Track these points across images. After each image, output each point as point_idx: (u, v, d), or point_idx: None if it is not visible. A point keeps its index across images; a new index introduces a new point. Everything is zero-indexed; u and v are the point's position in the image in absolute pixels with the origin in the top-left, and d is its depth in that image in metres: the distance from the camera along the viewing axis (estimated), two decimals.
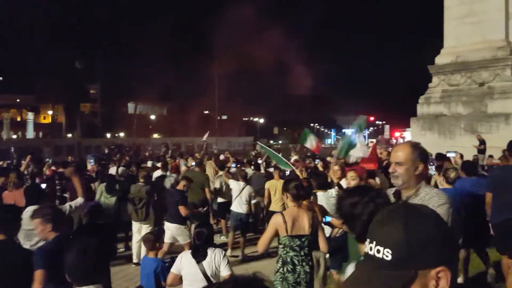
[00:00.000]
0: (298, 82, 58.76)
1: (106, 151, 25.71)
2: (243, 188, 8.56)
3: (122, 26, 54.80)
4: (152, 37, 52.64)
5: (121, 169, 10.75)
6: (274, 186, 8.54)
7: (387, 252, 1.04)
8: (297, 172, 9.25)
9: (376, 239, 1.08)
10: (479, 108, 15.08)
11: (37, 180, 8.92)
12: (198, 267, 4.08)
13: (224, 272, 4.09)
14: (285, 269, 4.26)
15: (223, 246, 7.78)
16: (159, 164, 11.75)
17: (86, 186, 8.66)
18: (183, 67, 56.28)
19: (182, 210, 7.32)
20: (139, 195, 7.82)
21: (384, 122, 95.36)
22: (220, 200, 9.87)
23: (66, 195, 8.62)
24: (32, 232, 4.13)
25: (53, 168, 11.22)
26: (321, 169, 9.92)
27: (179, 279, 4.22)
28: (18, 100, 62.43)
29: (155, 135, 57.34)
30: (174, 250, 6.90)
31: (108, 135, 53.92)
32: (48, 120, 66.50)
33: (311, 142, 11.59)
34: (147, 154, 25.78)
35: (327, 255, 5.29)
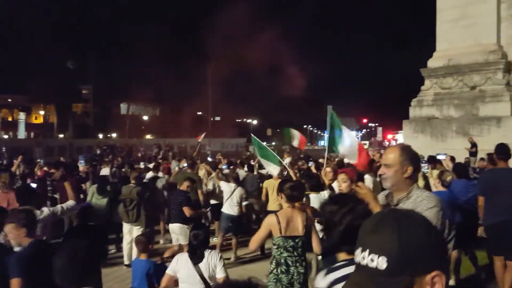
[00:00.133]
0: (291, 84, 58.76)
1: (98, 151, 25.57)
2: (234, 190, 8.51)
3: (115, 27, 54.89)
4: (145, 38, 52.73)
5: (113, 170, 10.70)
6: (272, 185, 8.48)
7: (383, 260, 1.03)
8: (291, 173, 9.25)
9: (369, 247, 1.07)
10: (471, 111, 15.18)
11: (28, 181, 8.83)
12: (195, 269, 4.05)
13: (220, 274, 4.06)
14: (279, 270, 4.25)
15: (214, 248, 7.76)
16: (151, 165, 11.71)
17: (77, 186, 8.63)
18: (177, 68, 56.38)
19: (187, 211, 7.34)
20: (130, 197, 7.76)
21: (377, 124, 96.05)
22: (213, 202, 9.84)
23: (57, 196, 8.56)
24: None
25: (45, 169, 11.13)
26: (314, 171, 9.93)
27: (174, 281, 4.18)
28: (9, 100, 61.70)
29: (148, 136, 56.91)
30: (157, 252, 6.84)
31: (101, 136, 53.54)
32: (40, 120, 66.04)
33: (296, 139, 11.30)
34: (139, 155, 25.69)
35: (319, 257, 5.29)
